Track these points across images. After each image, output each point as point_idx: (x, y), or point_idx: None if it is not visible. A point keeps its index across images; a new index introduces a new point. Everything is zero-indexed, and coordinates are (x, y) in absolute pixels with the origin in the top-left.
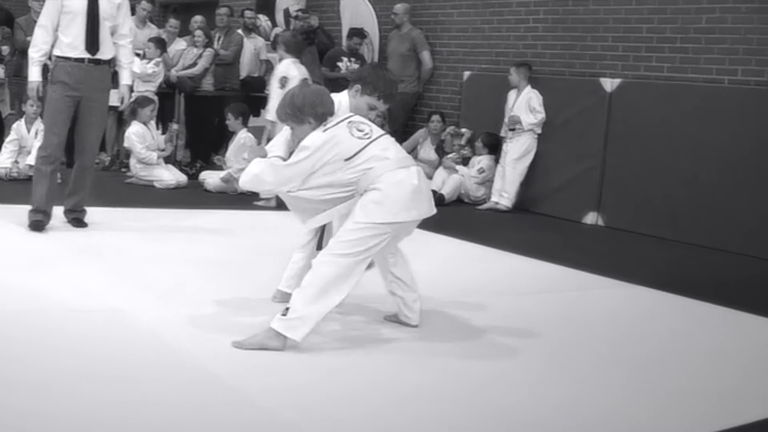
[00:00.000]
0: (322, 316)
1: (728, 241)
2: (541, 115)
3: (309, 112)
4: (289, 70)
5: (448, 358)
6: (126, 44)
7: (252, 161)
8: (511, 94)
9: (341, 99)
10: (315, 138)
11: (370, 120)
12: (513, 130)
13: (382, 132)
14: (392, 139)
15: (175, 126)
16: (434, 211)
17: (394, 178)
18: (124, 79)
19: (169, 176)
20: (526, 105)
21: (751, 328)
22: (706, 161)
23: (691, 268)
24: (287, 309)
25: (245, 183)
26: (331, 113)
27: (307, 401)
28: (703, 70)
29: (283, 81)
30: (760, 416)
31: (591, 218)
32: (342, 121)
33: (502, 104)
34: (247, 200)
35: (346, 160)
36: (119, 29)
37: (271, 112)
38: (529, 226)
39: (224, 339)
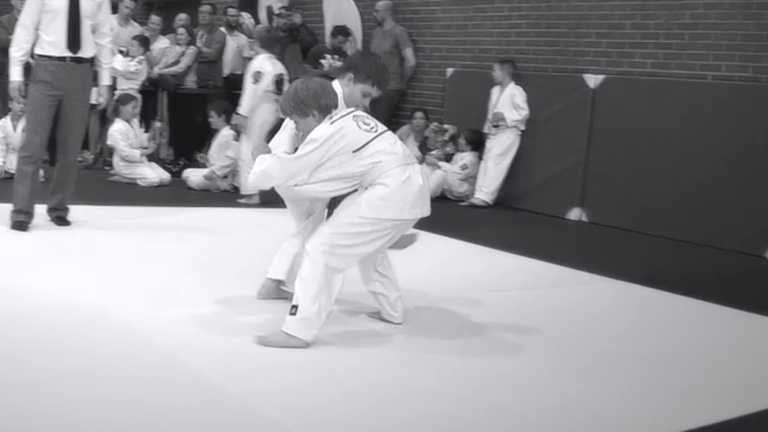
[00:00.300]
0: (327, 312)
1: (712, 237)
2: (525, 112)
3: (313, 104)
4: (264, 66)
5: (445, 355)
6: (106, 44)
7: (257, 159)
8: (495, 91)
9: (335, 90)
10: (323, 130)
11: (365, 107)
12: (497, 126)
13: (386, 128)
14: (395, 136)
15: (158, 124)
16: (429, 211)
17: (403, 175)
18: (104, 79)
19: (152, 174)
20: (509, 101)
21: (737, 323)
22: (689, 157)
23: (675, 264)
24: (295, 307)
25: (253, 181)
26: (335, 105)
27: (299, 402)
28: (687, 66)
29: (257, 76)
30: (746, 411)
31: (575, 214)
32: (347, 114)
33: (486, 101)
34: (230, 198)
35: (354, 152)
36: (100, 28)
37: (243, 107)
38: (514, 222)
39: (211, 338)
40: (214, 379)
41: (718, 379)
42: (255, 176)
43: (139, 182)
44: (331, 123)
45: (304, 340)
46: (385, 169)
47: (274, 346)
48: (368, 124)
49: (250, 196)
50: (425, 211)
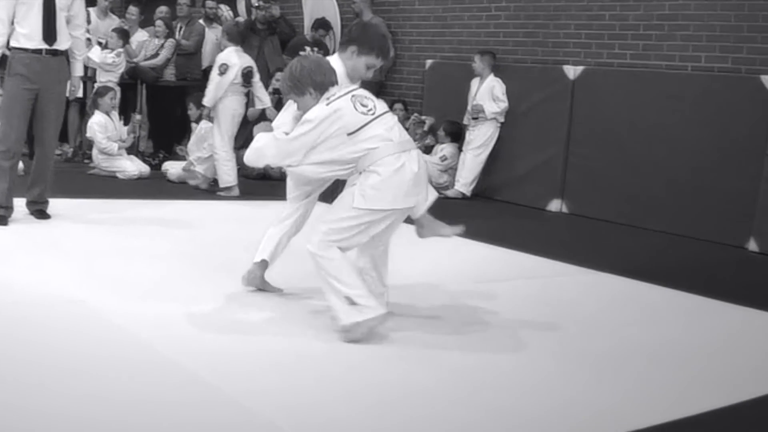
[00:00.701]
0: (360, 282)
1: (693, 228)
2: (504, 104)
3: (308, 81)
4: (230, 58)
5: (441, 352)
6: (80, 35)
7: (257, 136)
8: (474, 82)
9: (335, 66)
10: (318, 110)
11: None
12: (476, 118)
13: (386, 109)
14: (395, 118)
15: (137, 117)
16: (435, 195)
17: (396, 162)
18: (77, 70)
19: (132, 167)
20: (489, 93)
21: (718, 315)
22: (669, 148)
23: (656, 255)
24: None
25: (248, 157)
26: (332, 83)
27: (293, 402)
28: (667, 57)
29: (223, 68)
30: (730, 402)
31: (555, 205)
32: (346, 94)
33: (465, 92)
34: (210, 191)
35: (349, 134)
36: (74, 19)
37: (207, 98)
38: (494, 213)
39: (191, 332)
40: (208, 378)
41: (702, 370)
42: (250, 152)
43: (119, 175)
44: (327, 104)
45: (369, 317)
46: (378, 156)
47: (356, 340)
48: (365, 106)
49: (229, 188)
50: (422, 198)
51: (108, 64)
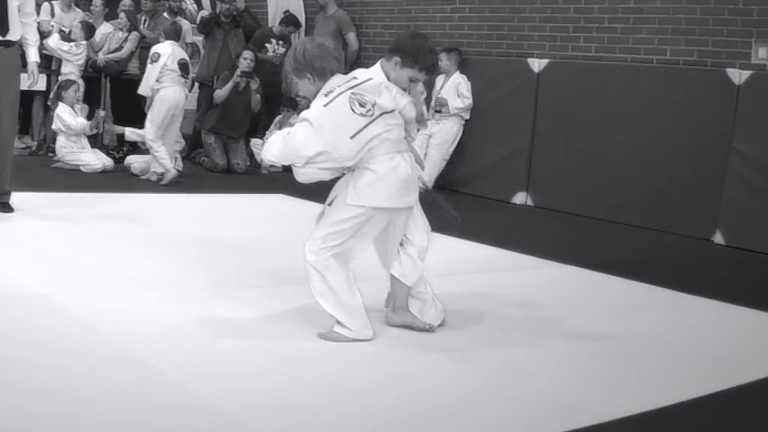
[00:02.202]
0: (357, 300)
1: (659, 221)
2: (468, 101)
3: (307, 66)
4: (162, 48)
5: (423, 352)
6: (31, 22)
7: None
8: (439, 78)
9: (374, 73)
10: (316, 112)
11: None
12: (439, 111)
13: (388, 107)
14: (397, 116)
15: (101, 113)
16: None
17: (391, 162)
18: (32, 56)
19: (95, 160)
20: (454, 90)
21: (681, 306)
22: (635, 141)
23: (622, 248)
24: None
25: (263, 152)
26: (332, 70)
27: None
28: (632, 50)
29: (155, 56)
30: (695, 394)
31: (520, 198)
32: (345, 90)
33: (429, 87)
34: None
35: (351, 137)
36: (24, 7)
37: (141, 86)
38: (459, 206)
39: (153, 326)
40: (174, 376)
41: (666, 362)
42: (264, 148)
43: (82, 168)
44: (325, 105)
45: (349, 337)
46: (374, 154)
47: (333, 340)
48: (364, 106)
49: (164, 174)
50: (413, 200)
51: (64, 51)
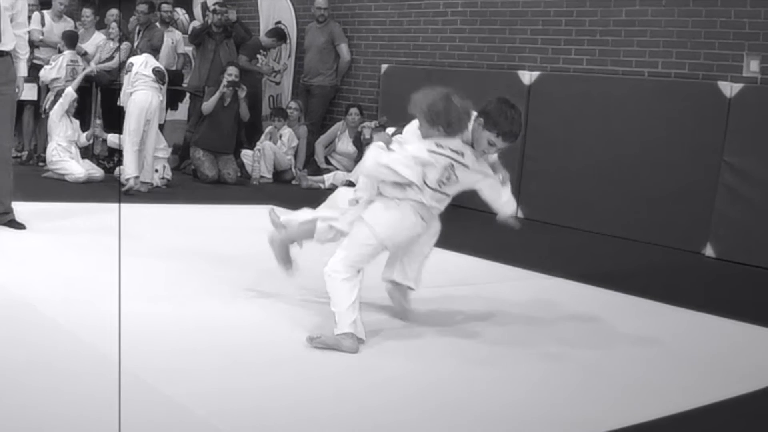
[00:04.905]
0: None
1: (650, 234)
2: None
3: (445, 124)
4: (137, 58)
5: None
6: (22, 34)
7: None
8: None
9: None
10: (422, 153)
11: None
12: None
13: (458, 187)
14: (448, 200)
15: (99, 121)
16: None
17: (414, 216)
18: (21, 71)
19: (80, 170)
20: None
21: (671, 318)
22: (626, 154)
23: (613, 261)
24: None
25: (366, 160)
26: (454, 134)
27: (234, 407)
28: (623, 63)
29: (129, 66)
30: (669, 411)
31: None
32: (448, 157)
33: None
34: (161, 193)
35: (432, 188)
36: (17, 17)
37: (121, 98)
38: (449, 218)
39: (138, 335)
40: (149, 380)
41: (654, 375)
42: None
43: (67, 178)
44: (430, 151)
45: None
46: (409, 196)
47: (328, 347)
48: (445, 183)
49: (128, 179)
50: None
51: (53, 79)
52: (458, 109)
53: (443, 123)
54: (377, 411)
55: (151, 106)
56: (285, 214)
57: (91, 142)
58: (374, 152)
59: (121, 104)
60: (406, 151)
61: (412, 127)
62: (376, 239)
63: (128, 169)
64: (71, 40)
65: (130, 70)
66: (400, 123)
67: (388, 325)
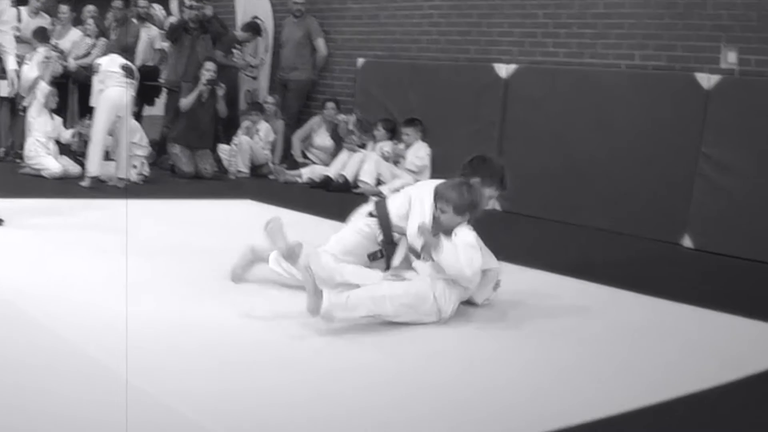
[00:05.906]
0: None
1: (628, 225)
2: (422, 163)
3: (473, 212)
4: (102, 58)
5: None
6: (8, 30)
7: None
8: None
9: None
10: (472, 237)
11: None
12: (397, 163)
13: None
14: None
15: (87, 122)
16: None
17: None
18: (10, 64)
19: (56, 165)
20: (414, 154)
21: (647, 310)
22: (603, 146)
23: (591, 252)
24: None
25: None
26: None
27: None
28: (600, 55)
29: (96, 67)
30: (646, 402)
31: (489, 203)
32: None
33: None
34: (138, 188)
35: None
36: (2, 15)
37: (92, 99)
38: None
39: (120, 332)
40: (135, 381)
41: (631, 365)
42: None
43: (43, 173)
44: (471, 230)
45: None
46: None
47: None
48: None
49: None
50: None
51: (31, 79)
52: (483, 203)
53: (473, 213)
54: (373, 411)
55: (121, 103)
56: (320, 256)
57: (76, 139)
58: (467, 256)
59: (92, 105)
60: (465, 242)
61: (421, 192)
62: (437, 316)
63: (91, 167)
64: (43, 35)
65: (98, 71)
66: (377, 117)
67: (380, 326)
